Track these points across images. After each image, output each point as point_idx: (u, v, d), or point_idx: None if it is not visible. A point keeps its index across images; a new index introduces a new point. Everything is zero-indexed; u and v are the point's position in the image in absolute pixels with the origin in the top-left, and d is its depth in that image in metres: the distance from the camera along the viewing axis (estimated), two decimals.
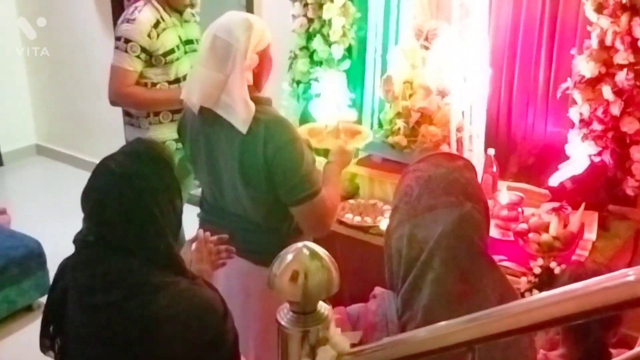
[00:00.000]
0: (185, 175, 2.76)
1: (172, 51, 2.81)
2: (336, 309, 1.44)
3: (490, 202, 1.63)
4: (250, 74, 1.99)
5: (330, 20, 2.92)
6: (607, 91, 2.30)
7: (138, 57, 2.75)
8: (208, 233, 1.82)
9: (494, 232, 2.28)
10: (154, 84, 2.84)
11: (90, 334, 1.43)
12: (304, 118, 3.05)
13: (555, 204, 2.37)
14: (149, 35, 2.74)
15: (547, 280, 2.07)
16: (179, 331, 1.40)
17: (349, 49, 3.00)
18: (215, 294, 1.49)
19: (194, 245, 1.79)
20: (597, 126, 2.36)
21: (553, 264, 2.11)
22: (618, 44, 2.27)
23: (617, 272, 0.74)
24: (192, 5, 2.98)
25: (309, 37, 3.02)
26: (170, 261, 1.45)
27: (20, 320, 3.30)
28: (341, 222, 2.53)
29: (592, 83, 2.36)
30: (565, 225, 2.29)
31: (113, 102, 2.87)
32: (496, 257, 1.64)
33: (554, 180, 2.47)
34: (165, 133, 2.84)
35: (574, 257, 2.24)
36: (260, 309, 2.07)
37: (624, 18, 2.24)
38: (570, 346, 1.67)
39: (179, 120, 2.28)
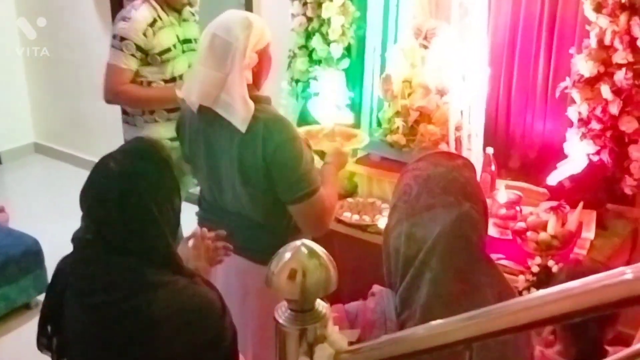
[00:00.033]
0: (181, 175, 2.76)
1: (168, 50, 2.81)
2: (334, 306, 1.44)
3: (488, 201, 1.64)
4: (250, 73, 1.99)
5: (329, 19, 2.92)
6: (605, 90, 2.31)
7: (133, 55, 2.75)
8: (205, 229, 1.82)
9: (492, 231, 2.28)
10: (149, 83, 2.83)
11: (88, 333, 1.43)
12: (303, 117, 3.05)
13: (554, 203, 2.38)
14: (144, 34, 2.74)
15: (545, 279, 2.07)
16: (178, 330, 1.40)
17: (348, 48, 2.99)
18: (213, 292, 1.49)
19: (191, 243, 1.79)
20: (595, 125, 2.36)
21: (551, 263, 2.11)
22: (617, 44, 2.27)
23: (615, 270, 0.74)
24: (190, 4, 2.97)
25: (308, 35, 3.02)
26: (169, 260, 1.45)
27: (18, 318, 3.30)
28: (339, 221, 2.53)
29: (591, 82, 2.36)
30: (563, 224, 2.29)
31: (108, 100, 2.87)
32: (494, 256, 1.64)
33: (553, 179, 2.47)
34: (160, 132, 2.83)
35: (572, 256, 2.24)
36: (258, 307, 2.07)
37: (622, 17, 2.24)
38: (567, 343, 1.67)
39: (178, 119, 2.28)
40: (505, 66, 2.75)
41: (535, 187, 2.59)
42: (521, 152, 2.75)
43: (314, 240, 1.21)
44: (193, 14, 2.99)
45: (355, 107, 2.99)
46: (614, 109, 2.31)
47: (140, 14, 2.75)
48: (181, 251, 1.72)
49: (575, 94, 2.40)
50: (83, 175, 1.46)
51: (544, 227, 2.26)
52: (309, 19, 2.98)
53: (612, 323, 1.66)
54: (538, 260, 2.15)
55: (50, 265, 1.84)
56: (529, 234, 2.27)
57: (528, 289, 2.11)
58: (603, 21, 2.28)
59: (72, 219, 1.54)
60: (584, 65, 2.34)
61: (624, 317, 1.66)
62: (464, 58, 2.52)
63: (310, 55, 3.04)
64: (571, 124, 2.44)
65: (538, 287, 2.05)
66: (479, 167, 2.48)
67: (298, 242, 1.13)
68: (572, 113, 2.42)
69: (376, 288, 1.52)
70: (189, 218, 2.13)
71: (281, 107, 2.93)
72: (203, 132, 2.07)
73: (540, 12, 2.61)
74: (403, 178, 1.52)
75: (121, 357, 1.42)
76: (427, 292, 1.38)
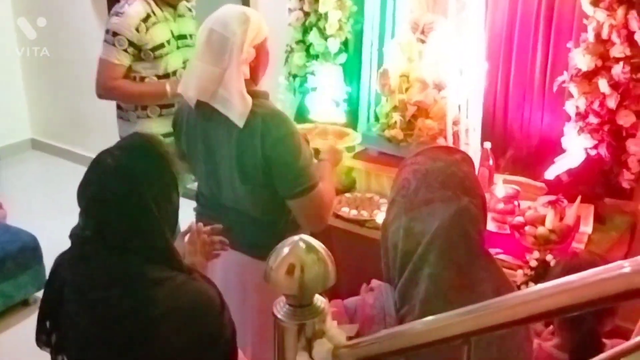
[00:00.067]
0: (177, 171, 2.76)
1: (161, 46, 2.79)
2: (333, 302, 1.44)
3: (486, 196, 1.64)
4: (247, 68, 1.99)
5: (326, 14, 2.91)
6: (603, 84, 2.31)
7: (126, 50, 2.74)
8: (201, 224, 1.82)
9: (490, 225, 2.28)
10: (142, 78, 2.82)
11: (87, 330, 1.43)
12: (300, 112, 3.05)
13: (552, 197, 2.38)
14: (137, 29, 2.72)
15: (543, 273, 2.07)
16: (177, 326, 1.40)
17: (345, 43, 2.99)
18: (212, 288, 1.49)
19: (186, 238, 1.79)
20: (593, 119, 2.36)
21: (549, 257, 2.11)
22: (614, 37, 2.27)
23: (613, 264, 0.74)
24: None
25: (305, 30, 3.01)
26: (167, 256, 1.45)
27: (16, 314, 3.31)
28: (338, 216, 2.53)
29: (589, 76, 2.36)
30: (561, 218, 2.29)
31: (99, 95, 2.86)
32: (492, 251, 1.64)
33: (550, 173, 2.47)
34: (153, 127, 2.82)
35: (570, 250, 2.25)
36: (257, 303, 2.07)
37: (620, 11, 2.24)
38: (565, 336, 1.68)
39: (174, 114, 2.27)
40: (502, 60, 2.75)
41: (533, 181, 2.59)
42: (519, 147, 2.74)
43: (312, 235, 1.21)
44: (190, 9, 2.98)
45: (353, 101, 2.99)
46: (612, 103, 2.31)
47: (133, 9, 2.74)
48: (177, 246, 1.72)
49: (572, 88, 2.40)
50: (80, 171, 1.46)
51: (542, 221, 2.26)
52: (306, 14, 2.98)
53: (609, 315, 1.66)
54: (536, 254, 2.15)
55: (49, 261, 1.84)
56: (527, 228, 2.27)
57: (526, 283, 2.11)
58: (600, 15, 2.28)
59: (70, 215, 1.54)
60: (581, 59, 2.34)
61: (622, 311, 1.67)
62: (462, 52, 2.51)
63: (307, 50, 3.03)
64: (569, 118, 2.44)
65: (536, 282, 2.05)
66: (476, 162, 2.48)
67: (296, 237, 1.13)
68: (570, 107, 2.42)
69: (375, 283, 1.52)
70: (186, 214, 2.13)
71: (279, 102, 2.93)
72: (201, 128, 2.07)
73: (538, 6, 2.61)
74: (401, 173, 1.51)
75: (120, 354, 1.41)
76: (426, 287, 1.38)
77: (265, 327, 1.65)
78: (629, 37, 2.26)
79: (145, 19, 2.75)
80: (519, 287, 2.02)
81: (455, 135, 2.54)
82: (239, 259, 2.05)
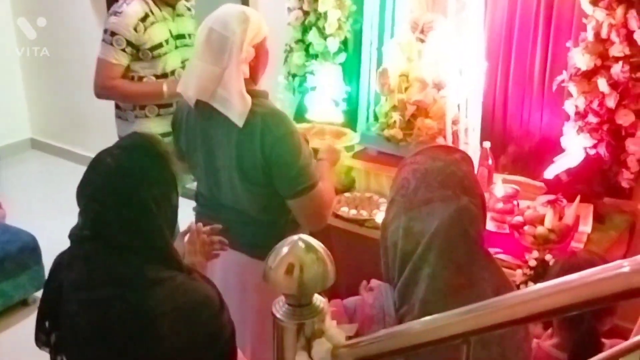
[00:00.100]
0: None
1: (160, 45, 2.78)
2: (333, 301, 1.44)
3: (485, 195, 1.64)
4: (247, 67, 1.99)
5: (325, 13, 2.91)
6: (602, 84, 2.31)
7: (124, 50, 2.73)
8: (200, 224, 1.82)
9: (489, 225, 2.28)
10: (140, 78, 2.82)
11: (86, 330, 1.42)
12: (300, 111, 3.05)
13: (551, 197, 2.38)
14: (135, 29, 2.72)
15: (542, 273, 2.07)
16: (176, 326, 1.39)
17: (344, 42, 2.99)
18: (211, 288, 1.49)
19: (186, 238, 1.79)
20: (592, 119, 2.36)
21: (548, 257, 2.11)
22: (613, 37, 2.27)
23: (612, 264, 0.74)
24: None
25: (305, 30, 3.01)
26: (167, 256, 1.45)
27: (15, 314, 3.30)
28: (337, 216, 2.53)
29: (588, 76, 2.36)
30: (560, 218, 2.29)
31: (98, 95, 2.86)
32: (491, 250, 1.64)
33: (550, 172, 2.47)
34: (151, 127, 2.82)
35: (569, 250, 2.25)
36: (256, 302, 2.07)
37: (619, 10, 2.24)
38: (564, 335, 1.68)
39: (174, 114, 2.27)
40: (502, 60, 2.75)
41: (533, 180, 2.59)
42: (518, 146, 2.74)
43: (311, 234, 1.20)
44: (189, 9, 2.97)
45: (352, 101, 2.99)
46: (611, 102, 2.31)
47: (131, 9, 2.73)
48: (177, 246, 1.72)
49: (572, 88, 2.40)
50: (80, 171, 1.45)
51: (541, 220, 2.26)
52: (306, 13, 2.98)
53: (608, 314, 1.66)
54: (535, 254, 2.15)
55: (48, 261, 1.84)
56: (526, 227, 2.27)
57: (525, 283, 2.11)
58: (600, 14, 2.28)
59: (70, 215, 1.54)
60: (580, 59, 2.34)
61: (621, 310, 1.67)
62: (461, 52, 2.51)
63: (306, 49, 3.03)
64: (568, 118, 2.44)
65: (535, 281, 2.05)
66: (476, 161, 2.48)
67: (295, 237, 1.13)
68: (569, 106, 2.42)
69: (374, 282, 1.52)
70: (186, 213, 2.13)
71: (278, 102, 2.93)
72: (200, 127, 2.07)
73: (537, 5, 2.61)
74: (401, 172, 1.51)
75: (119, 354, 1.41)
76: (426, 287, 1.38)
77: (264, 327, 1.65)
78: (628, 36, 2.26)
79: (144, 19, 2.74)
80: (518, 287, 2.02)
81: (455, 135, 2.54)
82: (239, 259, 2.05)
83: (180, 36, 2.87)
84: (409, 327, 1.12)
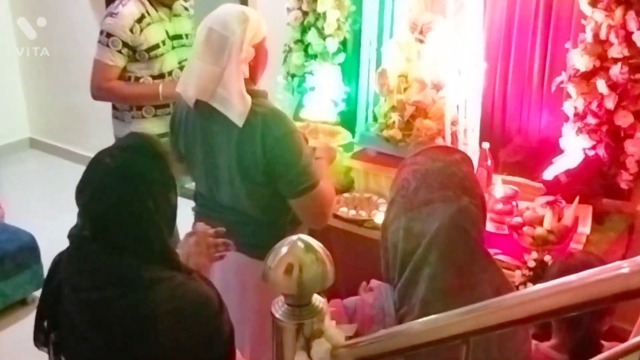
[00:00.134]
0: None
1: (156, 46, 2.77)
2: (332, 301, 1.44)
3: (484, 196, 1.64)
4: (246, 67, 1.98)
5: (324, 13, 2.91)
6: (601, 85, 2.31)
7: (120, 52, 2.72)
8: (207, 226, 1.82)
9: (488, 226, 2.28)
10: (137, 79, 2.81)
11: (85, 330, 1.42)
12: (299, 111, 3.05)
13: (550, 198, 2.38)
14: (131, 30, 2.70)
15: (541, 274, 2.07)
16: (175, 326, 1.39)
17: (343, 42, 2.99)
18: (210, 288, 1.49)
19: (193, 239, 1.79)
20: (591, 120, 2.36)
21: (547, 258, 2.11)
22: (612, 38, 2.27)
23: (611, 265, 0.75)
24: None
25: (304, 30, 3.01)
26: (166, 256, 1.45)
27: (14, 314, 3.30)
28: (336, 216, 2.53)
29: (587, 77, 2.37)
30: (559, 219, 2.29)
31: (94, 96, 2.84)
32: (491, 251, 1.64)
33: (549, 173, 2.47)
34: (148, 127, 2.81)
35: (567, 251, 2.25)
36: (256, 303, 2.07)
37: (618, 12, 2.25)
38: (563, 336, 1.68)
39: (172, 114, 2.27)
40: (501, 60, 2.75)
41: (532, 181, 2.59)
42: (517, 147, 2.75)
43: (311, 234, 1.20)
44: (186, 9, 2.95)
45: (351, 101, 2.99)
46: (610, 104, 2.31)
47: (127, 10, 2.71)
48: (183, 247, 1.72)
49: (571, 89, 2.40)
50: (79, 170, 1.45)
51: (540, 221, 2.27)
52: (305, 13, 2.98)
53: (607, 315, 1.66)
54: (534, 255, 2.15)
55: (47, 261, 1.84)
56: (525, 228, 2.28)
57: (525, 283, 2.11)
58: (599, 15, 2.28)
59: (69, 215, 1.53)
60: (579, 60, 2.34)
61: (619, 312, 1.67)
62: (460, 52, 2.51)
63: (305, 49, 3.03)
64: (567, 119, 2.44)
65: (534, 282, 2.05)
66: (475, 162, 2.48)
67: (294, 237, 1.13)
68: (568, 108, 2.42)
69: (374, 283, 1.52)
70: (185, 213, 2.13)
71: (277, 102, 2.93)
72: (200, 127, 2.07)
73: (536, 6, 2.61)
74: (401, 172, 1.51)
75: (118, 354, 1.41)
76: (426, 287, 1.38)
77: (264, 327, 1.65)
78: (627, 38, 2.26)
79: (140, 20, 2.73)
80: (517, 288, 2.02)
81: (454, 136, 2.54)
82: (238, 259, 2.05)
83: (177, 36, 2.86)
84: (409, 328, 1.12)
